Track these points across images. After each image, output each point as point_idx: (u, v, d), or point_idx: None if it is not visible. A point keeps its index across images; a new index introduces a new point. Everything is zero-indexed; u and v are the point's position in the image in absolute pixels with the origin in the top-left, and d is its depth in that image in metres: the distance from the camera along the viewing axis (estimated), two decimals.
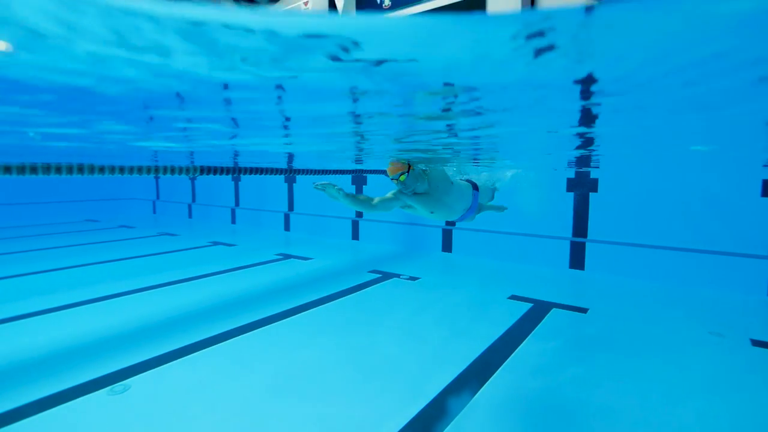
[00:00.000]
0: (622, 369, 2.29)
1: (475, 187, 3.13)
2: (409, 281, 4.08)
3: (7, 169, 1.72)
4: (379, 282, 4.04)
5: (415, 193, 2.67)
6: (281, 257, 5.20)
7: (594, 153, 2.83)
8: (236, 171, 5.19)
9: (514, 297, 3.57)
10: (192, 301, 3.45)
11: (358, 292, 3.72)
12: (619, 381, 2.16)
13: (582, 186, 4.56)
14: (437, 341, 2.64)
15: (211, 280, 4.14)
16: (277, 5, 6.24)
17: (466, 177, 3.38)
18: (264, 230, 7.50)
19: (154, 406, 1.91)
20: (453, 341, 2.64)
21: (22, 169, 1.75)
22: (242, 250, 5.68)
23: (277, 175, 5.35)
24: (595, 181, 4.49)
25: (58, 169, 1.82)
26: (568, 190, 4.64)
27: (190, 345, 2.56)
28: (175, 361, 2.36)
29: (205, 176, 5.91)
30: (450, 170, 3.32)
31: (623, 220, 4.35)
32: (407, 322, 2.98)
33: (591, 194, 4.53)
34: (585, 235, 4.57)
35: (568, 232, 4.67)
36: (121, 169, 3.97)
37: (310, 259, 5.09)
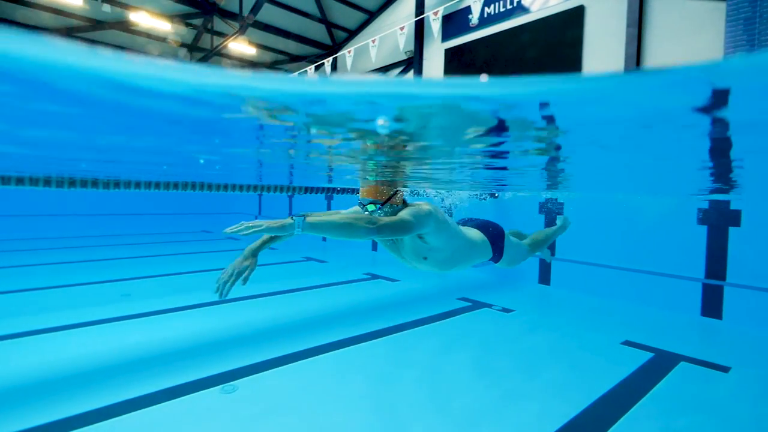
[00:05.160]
0: None
1: (494, 239, 2.40)
2: (502, 313, 3.78)
3: (166, 185, 1.99)
4: (469, 311, 3.81)
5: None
6: (369, 277, 5.23)
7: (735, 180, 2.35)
8: (329, 190, 5.42)
9: (628, 343, 3.07)
10: (288, 313, 3.61)
11: (446, 320, 3.54)
12: None
13: (719, 218, 3.84)
14: (532, 387, 2.35)
15: (304, 294, 4.31)
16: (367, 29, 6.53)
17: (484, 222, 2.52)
18: (353, 249, 7.69)
19: (256, 408, 2.01)
20: (551, 389, 2.32)
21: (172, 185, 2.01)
22: (332, 267, 5.86)
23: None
24: (738, 213, 3.75)
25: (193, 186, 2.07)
26: (701, 222, 3.94)
27: (287, 355, 2.66)
28: (274, 369, 2.45)
29: (301, 194, 6.29)
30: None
31: None
32: (496, 361, 2.71)
33: (731, 228, 3.78)
34: (723, 278, 3.81)
35: (700, 272, 3.94)
36: (233, 187, 4.37)
37: (397, 281, 5.04)
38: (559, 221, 3.25)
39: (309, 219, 1.61)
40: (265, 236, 1.87)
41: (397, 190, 2.07)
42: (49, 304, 3.64)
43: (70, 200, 8.71)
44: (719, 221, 3.83)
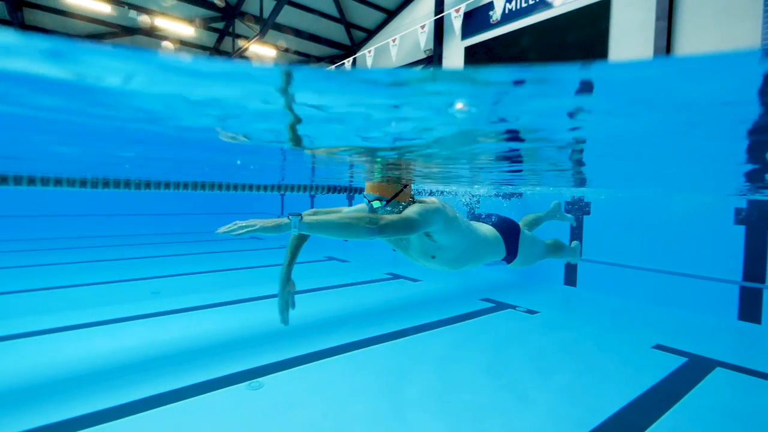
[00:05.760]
0: None
1: (508, 237, 2.27)
2: (527, 314, 3.71)
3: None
4: (492, 312, 3.77)
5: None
6: (390, 277, 5.23)
7: None
8: (350, 190, 5.44)
9: (660, 347, 2.98)
10: (311, 312, 3.64)
11: (469, 321, 3.50)
12: None
13: (759, 218, 3.67)
14: (558, 392, 2.30)
15: (326, 293, 4.34)
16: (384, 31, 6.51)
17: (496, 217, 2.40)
18: (374, 248, 7.70)
19: (282, 404, 2.05)
20: (578, 394, 2.26)
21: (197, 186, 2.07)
22: (354, 267, 5.89)
23: None
24: None
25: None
26: (738, 222, 3.78)
27: (311, 353, 2.69)
28: (298, 367, 2.48)
29: (322, 194, 6.34)
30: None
31: None
32: (521, 362, 2.67)
33: None
34: (762, 280, 3.65)
35: (737, 274, 3.78)
36: (257, 187, 4.43)
37: (419, 281, 5.02)
38: (573, 244, 3.10)
39: (306, 218, 1.54)
40: (289, 256, 1.98)
41: (405, 186, 1.95)
42: (83, 301, 3.78)
43: (103, 201, 9.08)
44: (759, 221, 3.67)
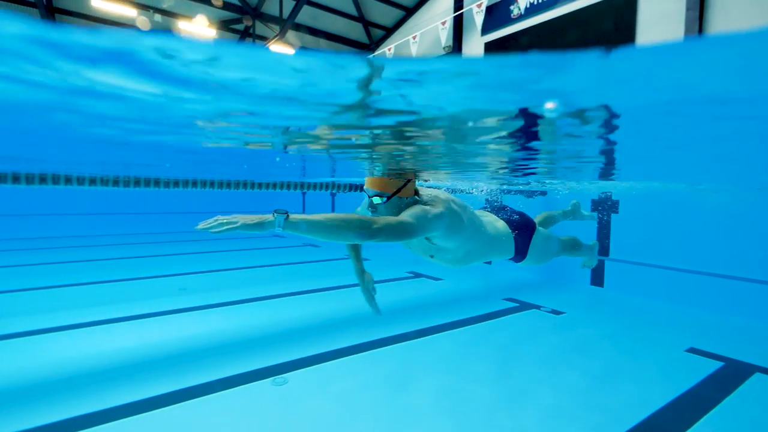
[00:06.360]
0: None
1: (521, 236, 2.17)
2: (552, 315, 3.65)
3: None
4: (516, 312, 3.71)
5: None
6: (412, 275, 5.22)
7: None
8: None
9: (694, 350, 2.87)
10: (334, 309, 3.67)
11: (492, 320, 3.46)
12: None
13: None
14: (585, 395, 2.24)
15: (347, 291, 4.36)
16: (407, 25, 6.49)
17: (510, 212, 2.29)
18: (395, 246, 7.70)
19: (306, 401, 2.07)
20: (606, 398, 2.20)
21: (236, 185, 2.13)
22: (375, 265, 5.89)
23: None
24: None
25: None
26: None
27: (333, 350, 2.71)
28: (321, 364, 2.50)
29: (344, 193, 6.36)
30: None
31: None
32: (546, 365, 2.62)
33: None
34: None
35: None
36: (281, 185, 4.49)
37: (440, 279, 4.99)
38: (591, 243, 3.05)
39: (292, 217, 1.46)
40: (353, 257, 2.11)
41: (408, 180, 1.83)
42: (115, 297, 3.90)
43: (135, 200, 9.43)
44: None
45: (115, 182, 3.02)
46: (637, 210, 4.44)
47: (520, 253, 2.25)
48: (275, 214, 1.45)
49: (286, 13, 11.30)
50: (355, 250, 2.19)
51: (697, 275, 4.02)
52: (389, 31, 13.19)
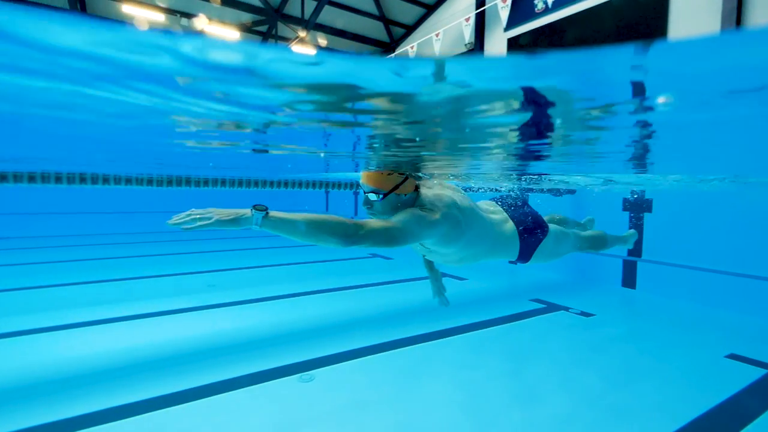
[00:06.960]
0: None
1: (529, 238, 2.05)
2: (581, 317, 3.55)
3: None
4: (543, 313, 3.63)
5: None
6: None
7: None
8: None
9: (734, 356, 2.74)
10: (358, 308, 3.68)
11: (518, 322, 3.40)
12: None
13: None
14: (617, 401, 2.16)
15: (370, 290, 4.37)
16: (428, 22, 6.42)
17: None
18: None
19: (332, 398, 2.08)
20: (639, 405, 2.12)
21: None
22: (398, 264, 5.88)
23: None
24: None
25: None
26: None
27: (358, 349, 2.72)
28: (347, 362, 2.51)
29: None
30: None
31: None
32: (575, 370, 2.54)
33: None
34: None
35: None
36: (301, 184, 4.51)
37: (465, 279, 4.93)
38: (625, 233, 2.94)
39: (272, 214, 1.35)
40: (424, 260, 2.09)
41: (407, 176, 1.73)
42: (147, 293, 4.01)
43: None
44: None
45: (149, 181, 3.09)
46: (673, 208, 4.27)
47: (524, 258, 2.13)
48: (253, 210, 1.33)
49: (307, 14, 11.40)
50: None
51: (738, 277, 3.83)
52: (410, 29, 13.12)
